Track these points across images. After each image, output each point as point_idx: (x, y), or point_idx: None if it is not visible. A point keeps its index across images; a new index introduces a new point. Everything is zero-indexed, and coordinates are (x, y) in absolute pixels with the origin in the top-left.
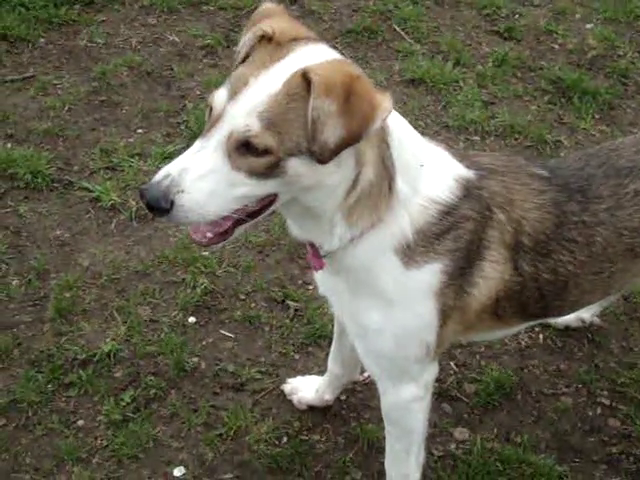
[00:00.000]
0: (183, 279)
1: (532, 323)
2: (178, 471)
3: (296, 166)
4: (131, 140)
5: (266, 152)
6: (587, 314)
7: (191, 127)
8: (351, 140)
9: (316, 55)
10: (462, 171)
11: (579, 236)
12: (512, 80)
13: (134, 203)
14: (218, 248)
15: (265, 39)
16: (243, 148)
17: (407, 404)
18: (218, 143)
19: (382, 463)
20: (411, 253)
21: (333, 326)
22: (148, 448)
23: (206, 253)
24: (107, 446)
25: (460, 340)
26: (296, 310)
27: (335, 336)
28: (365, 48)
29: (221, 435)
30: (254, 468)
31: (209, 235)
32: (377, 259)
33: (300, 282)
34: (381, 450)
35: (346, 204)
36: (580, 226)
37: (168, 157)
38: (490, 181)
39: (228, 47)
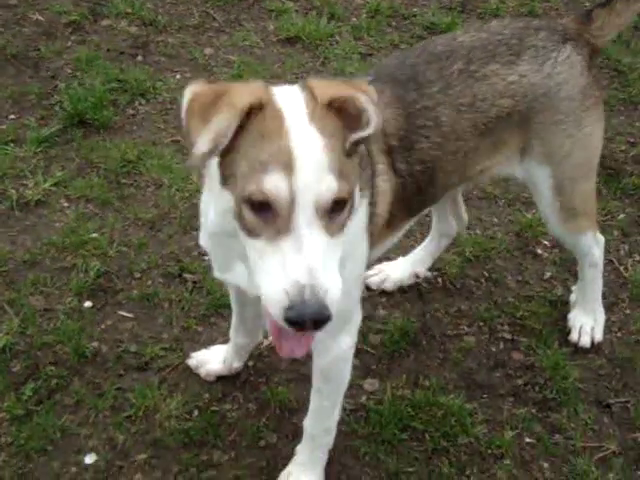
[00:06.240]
0: (74, 264)
1: (412, 222)
2: (89, 458)
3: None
4: (3, 127)
5: (345, 202)
6: (421, 269)
7: (65, 107)
8: None
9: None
10: None
11: (427, 121)
12: (387, 30)
13: (14, 192)
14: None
15: (254, 110)
16: (330, 210)
17: (345, 354)
18: (311, 223)
19: (295, 424)
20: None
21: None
22: (56, 439)
23: (95, 235)
24: (12, 442)
25: None
26: (194, 282)
27: (236, 309)
28: (237, 10)
29: (130, 417)
30: (167, 445)
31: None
32: None
33: (195, 254)
34: (293, 411)
35: None
36: (425, 112)
37: (44, 141)
38: None
39: (95, 22)
